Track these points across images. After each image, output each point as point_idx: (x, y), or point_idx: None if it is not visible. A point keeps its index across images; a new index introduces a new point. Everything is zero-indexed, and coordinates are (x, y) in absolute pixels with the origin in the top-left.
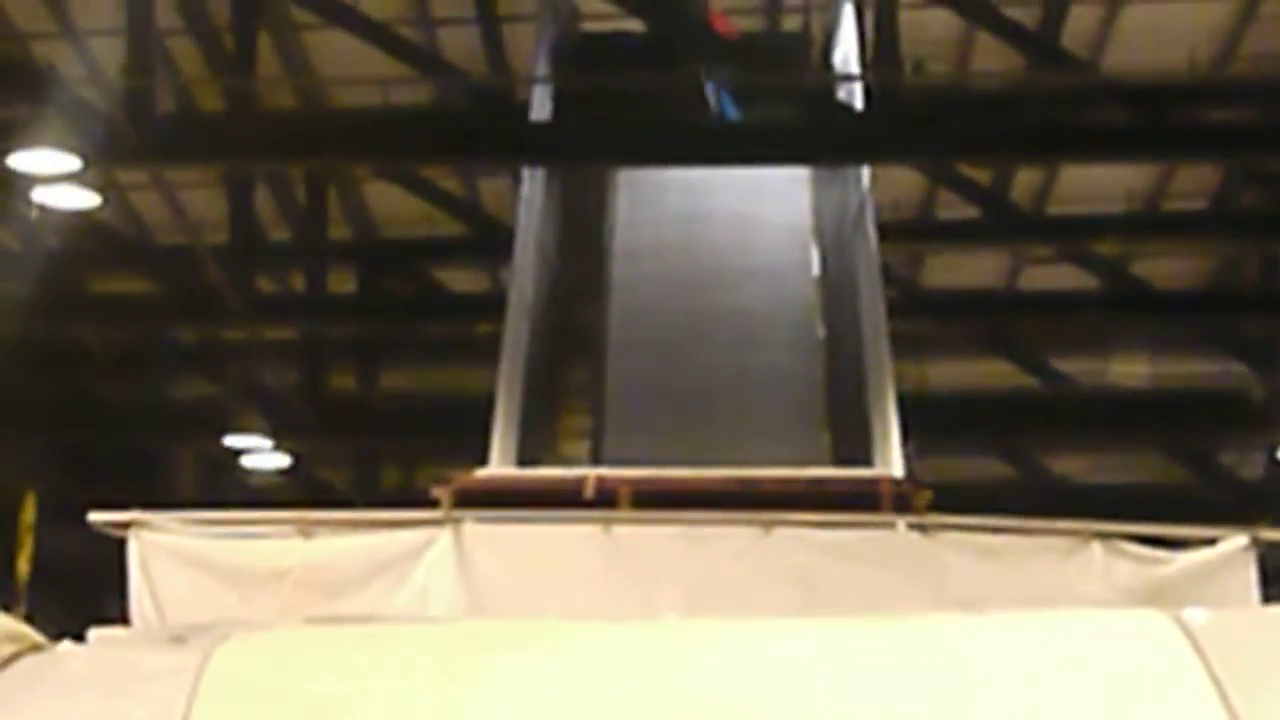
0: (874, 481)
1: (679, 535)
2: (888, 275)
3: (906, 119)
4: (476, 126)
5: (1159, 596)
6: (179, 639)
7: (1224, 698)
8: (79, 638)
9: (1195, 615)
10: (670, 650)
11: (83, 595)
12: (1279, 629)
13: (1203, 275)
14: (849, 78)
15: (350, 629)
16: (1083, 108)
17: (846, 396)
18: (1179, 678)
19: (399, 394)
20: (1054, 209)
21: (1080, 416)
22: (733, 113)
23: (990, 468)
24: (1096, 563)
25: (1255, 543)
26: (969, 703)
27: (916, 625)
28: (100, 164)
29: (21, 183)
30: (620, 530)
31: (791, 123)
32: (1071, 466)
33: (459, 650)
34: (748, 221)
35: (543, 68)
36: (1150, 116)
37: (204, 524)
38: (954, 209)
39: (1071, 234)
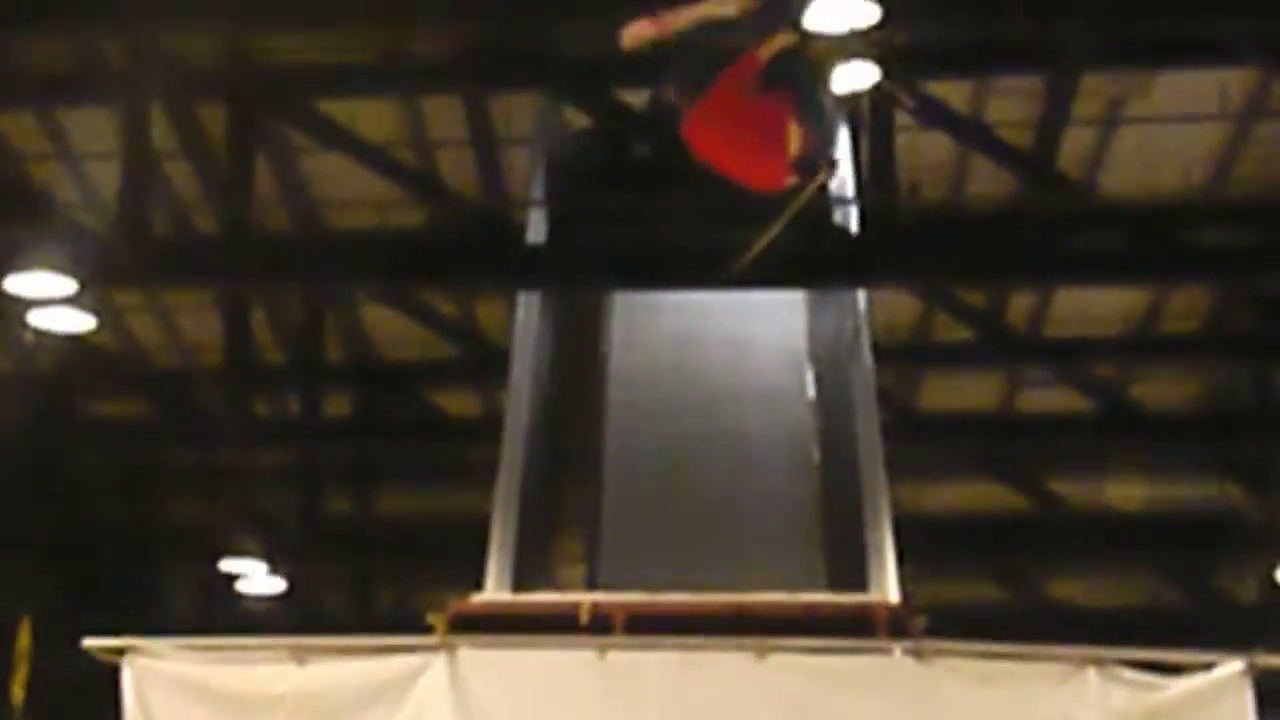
0: (869, 607)
1: (674, 660)
2: (883, 398)
3: (902, 242)
4: (473, 249)
5: None
6: None
7: None
8: None
9: None
10: None
11: None
12: None
13: (1198, 398)
14: (845, 201)
15: None
16: (1078, 230)
17: (842, 520)
18: None
19: (395, 517)
20: (1050, 332)
21: (1076, 539)
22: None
23: (986, 590)
24: (1093, 689)
25: (1251, 667)
26: None
27: None
28: (96, 287)
29: (17, 306)
30: (615, 655)
31: (787, 246)
32: (1068, 589)
33: None
34: (743, 345)
35: (539, 190)
36: (1145, 239)
37: (198, 650)
38: (950, 331)
39: (1067, 357)
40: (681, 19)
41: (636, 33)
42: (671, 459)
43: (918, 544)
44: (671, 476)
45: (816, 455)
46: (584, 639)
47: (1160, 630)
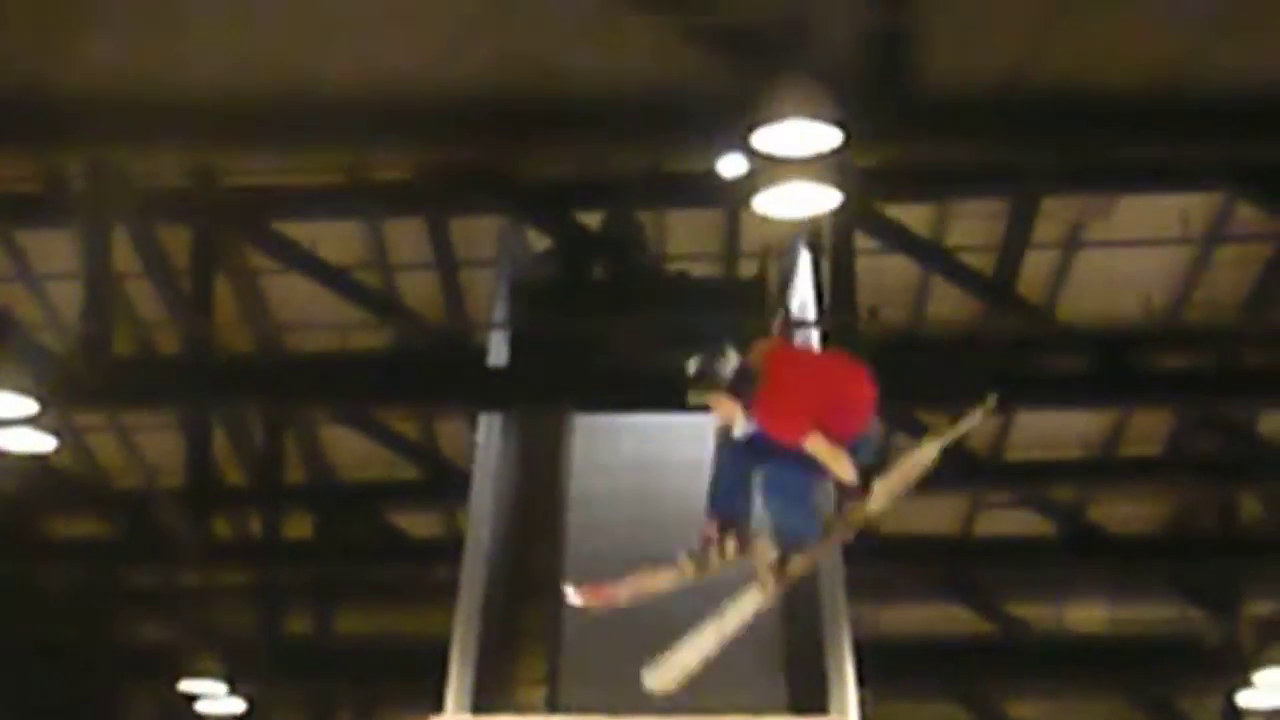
0: None
1: None
2: None
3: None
4: (434, 371)
5: None
6: None
7: None
8: None
9: None
10: None
11: None
12: None
13: (1159, 521)
14: (805, 324)
15: None
16: (1039, 354)
17: (803, 642)
18: None
19: (355, 638)
20: (1011, 455)
21: (1038, 662)
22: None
23: (948, 713)
24: None
25: None
26: None
27: None
28: (57, 407)
29: None
30: None
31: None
32: (1030, 712)
33: None
34: (703, 468)
35: (500, 313)
36: (1106, 363)
37: None
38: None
39: (1028, 480)
40: (625, 592)
41: (584, 599)
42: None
43: (878, 666)
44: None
45: None
46: None
47: None
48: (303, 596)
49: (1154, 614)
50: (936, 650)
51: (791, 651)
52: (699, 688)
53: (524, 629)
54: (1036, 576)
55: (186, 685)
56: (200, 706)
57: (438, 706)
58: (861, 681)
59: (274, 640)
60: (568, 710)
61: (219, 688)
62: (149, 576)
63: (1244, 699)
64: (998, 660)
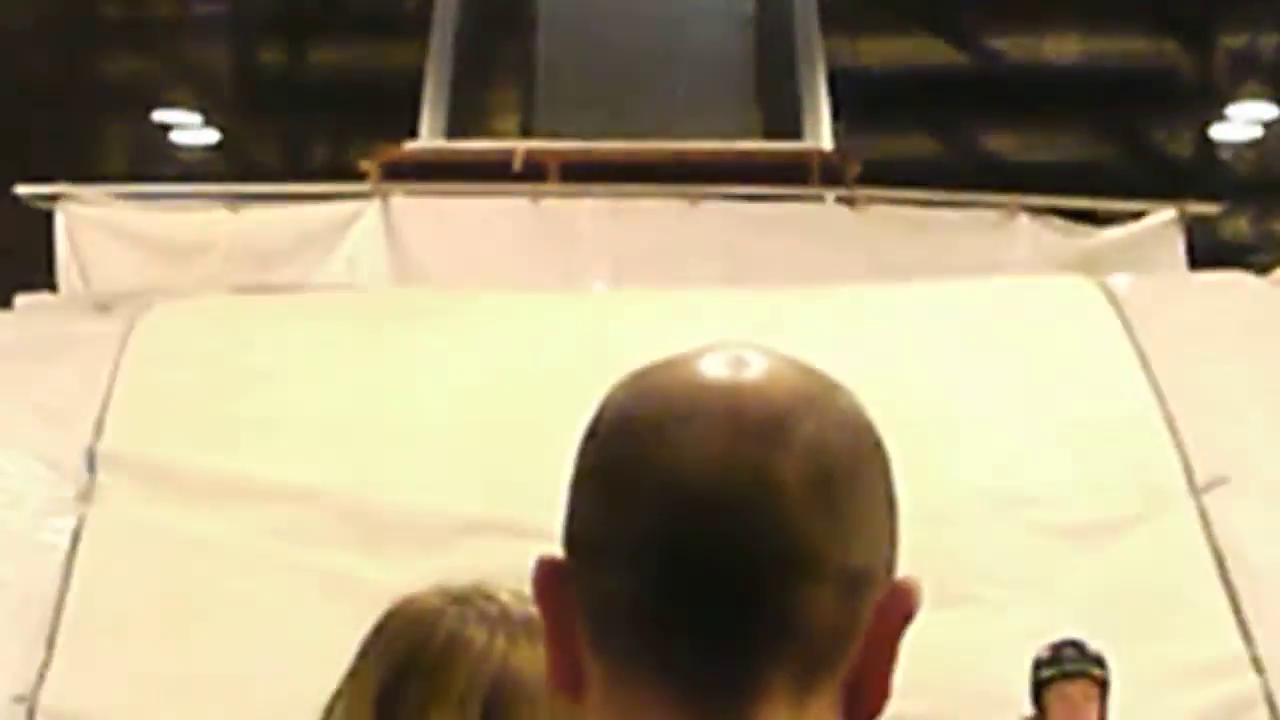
0: (803, 154)
1: (606, 208)
2: None
3: None
4: None
5: (1087, 268)
6: (104, 306)
7: (1144, 360)
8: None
9: (1119, 281)
10: (595, 318)
11: (9, 275)
12: (1200, 295)
13: None
14: None
15: (275, 297)
16: None
17: (776, 72)
18: (1101, 341)
19: (328, 69)
20: None
21: (1012, 93)
22: None
23: (921, 144)
24: (1024, 234)
25: (1182, 216)
26: (894, 365)
27: (843, 293)
28: None
29: None
30: (548, 203)
31: None
32: (1002, 143)
33: (385, 319)
34: None
35: None
36: None
37: (132, 197)
38: None
39: None
40: None
41: None
42: (606, 11)
43: (853, 99)
44: (606, 29)
45: (750, 7)
46: (517, 186)
47: (1095, 183)
48: (275, 27)
49: (1130, 46)
50: (911, 82)
51: (765, 80)
52: (672, 115)
53: (498, 60)
54: (1013, 7)
55: (160, 116)
56: (174, 137)
57: (412, 136)
58: (836, 112)
59: (247, 72)
60: (542, 136)
61: (193, 118)
62: (121, 8)
63: (1216, 131)
64: (973, 92)
